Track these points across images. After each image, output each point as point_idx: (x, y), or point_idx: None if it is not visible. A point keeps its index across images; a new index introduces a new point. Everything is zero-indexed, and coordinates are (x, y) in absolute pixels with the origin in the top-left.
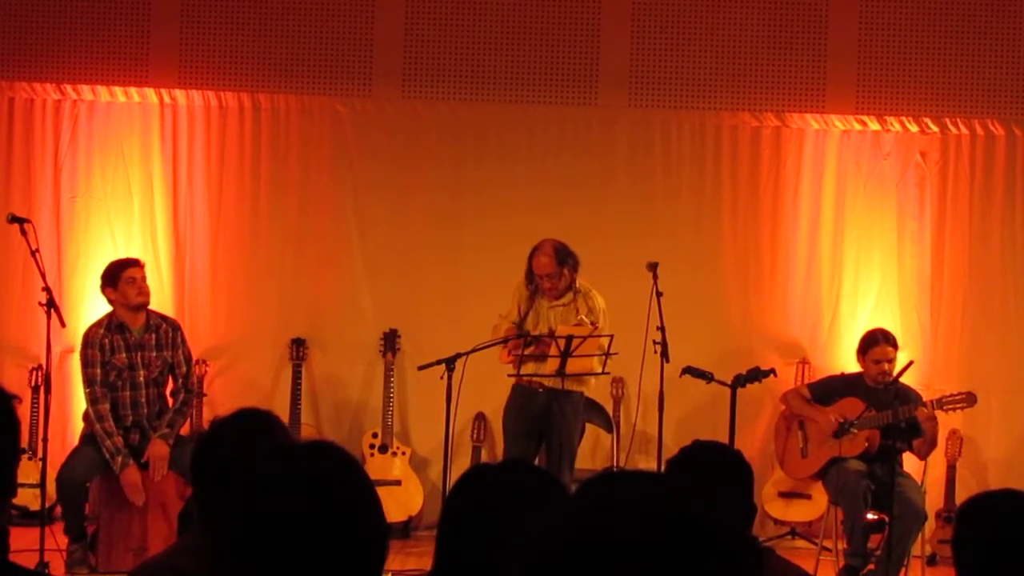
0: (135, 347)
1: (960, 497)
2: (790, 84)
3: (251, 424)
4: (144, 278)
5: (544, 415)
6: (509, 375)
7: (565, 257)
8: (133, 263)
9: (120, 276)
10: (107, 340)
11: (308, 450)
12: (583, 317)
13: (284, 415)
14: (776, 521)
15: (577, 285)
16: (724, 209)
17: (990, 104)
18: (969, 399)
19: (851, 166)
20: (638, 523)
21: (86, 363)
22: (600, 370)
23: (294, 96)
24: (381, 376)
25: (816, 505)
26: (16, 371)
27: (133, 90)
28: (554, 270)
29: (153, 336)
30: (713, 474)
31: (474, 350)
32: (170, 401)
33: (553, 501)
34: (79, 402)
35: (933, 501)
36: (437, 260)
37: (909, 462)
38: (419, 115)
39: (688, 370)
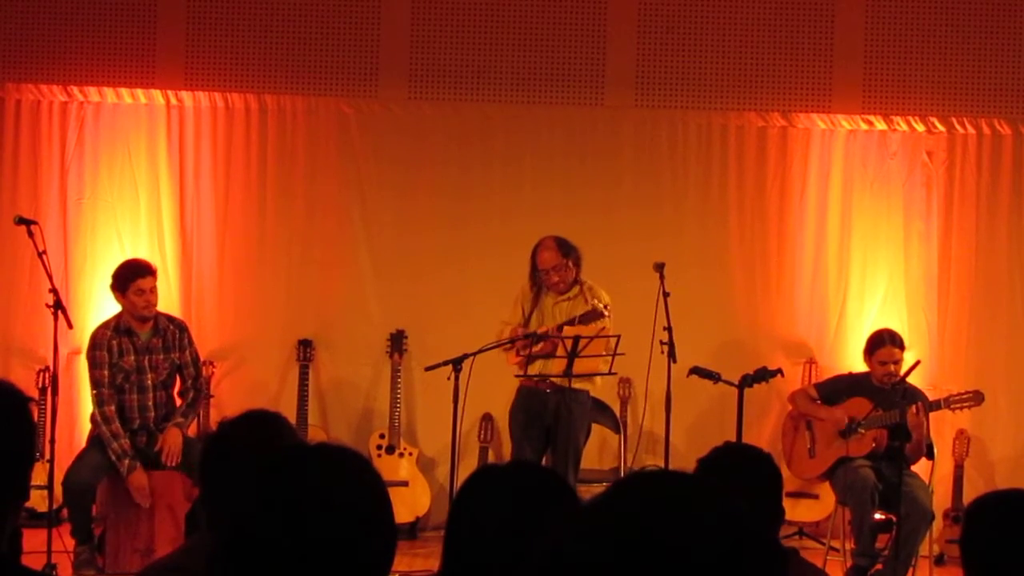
0: (143, 350)
1: (968, 497)
2: (796, 84)
3: (259, 425)
4: (153, 289)
5: (550, 415)
6: (516, 375)
7: (568, 250)
8: (144, 272)
9: (129, 286)
10: (115, 343)
11: (321, 451)
12: (595, 302)
13: (291, 416)
14: (784, 521)
15: (581, 279)
16: (730, 209)
17: (997, 103)
18: (976, 397)
19: (857, 166)
20: (676, 523)
21: (93, 364)
22: (607, 370)
23: (300, 97)
24: (388, 377)
25: (823, 505)
26: (23, 372)
27: (140, 92)
28: (560, 262)
29: (160, 339)
30: (743, 476)
31: (481, 351)
32: (178, 401)
33: (561, 502)
34: (86, 404)
35: (940, 501)
36: (443, 260)
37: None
38: (425, 116)
39: (695, 370)
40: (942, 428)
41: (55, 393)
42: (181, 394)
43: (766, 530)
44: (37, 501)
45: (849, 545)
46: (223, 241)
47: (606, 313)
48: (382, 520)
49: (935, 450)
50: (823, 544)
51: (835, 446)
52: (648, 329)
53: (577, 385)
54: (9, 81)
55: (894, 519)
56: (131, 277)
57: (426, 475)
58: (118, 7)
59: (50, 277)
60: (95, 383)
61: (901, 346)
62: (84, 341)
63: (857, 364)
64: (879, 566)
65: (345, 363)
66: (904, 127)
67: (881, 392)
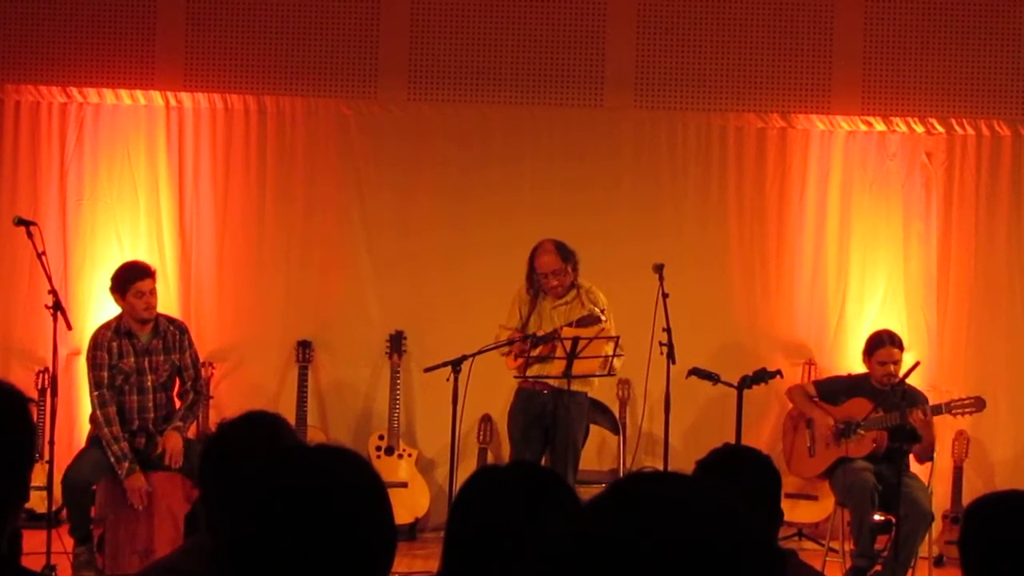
0: (143, 352)
1: (967, 498)
2: (795, 85)
3: (258, 426)
4: (153, 291)
5: (549, 416)
6: (515, 377)
7: (568, 254)
8: (143, 274)
9: (128, 289)
10: (115, 344)
11: (320, 451)
12: (591, 307)
13: (290, 417)
14: (783, 522)
15: (579, 283)
16: (730, 210)
17: (996, 104)
18: (978, 404)
19: (857, 167)
20: (675, 525)
21: (93, 365)
22: (606, 371)
23: (299, 98)
24: (387, 378)
25: (823, 506)
26: (23, 373)
27: (139, 93)
28: (560, 266)
29: (161, 341)
30: (742, 478)
31: (480, 352)
32: (177, 403)
33: (560, 503)
34: (85, 404)
35: (940, 502)
36: (443, 262)
37: (916, 463)
38: (425, 117)
39: (694, 371)
40: (942, 430)
41: (54, 394)
42: (180, 396)
43: (764, 531)
44: (36, 502)
45: (848, 546)
46: (222, 242)
47: (603, 319)
48: (382, 521)
49: (935, 451)
50: (822, 545)
51: (835, 446)
52: (647, 330)
53: (575, 387)
54: (9, 82)
55: (893, 520)
56: (130, 279)
57: (425, 476)
58: (118, 8)
59: (49, 278)
60: (95, 384)
61: (900, 346)
62: (83, 342)
63: (856, 365)
64: (878, 567)
65: (344, 364)
66: (903, 128)
67: (881, 393)
